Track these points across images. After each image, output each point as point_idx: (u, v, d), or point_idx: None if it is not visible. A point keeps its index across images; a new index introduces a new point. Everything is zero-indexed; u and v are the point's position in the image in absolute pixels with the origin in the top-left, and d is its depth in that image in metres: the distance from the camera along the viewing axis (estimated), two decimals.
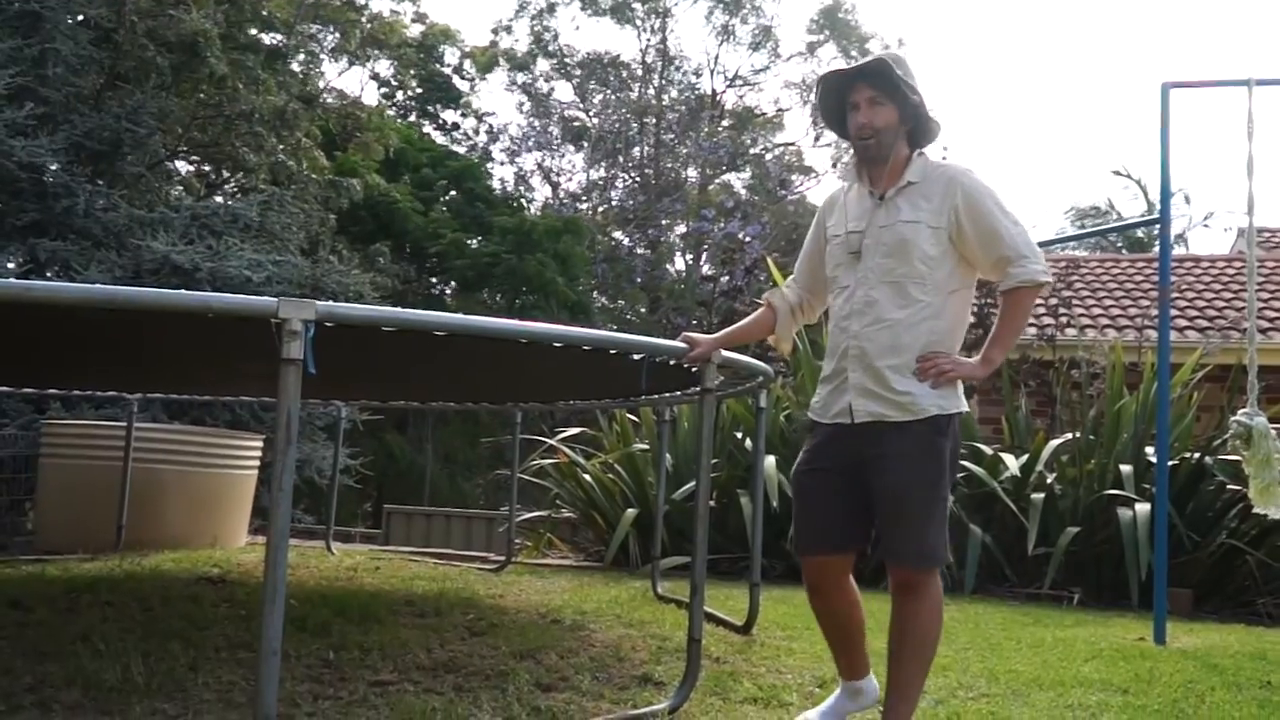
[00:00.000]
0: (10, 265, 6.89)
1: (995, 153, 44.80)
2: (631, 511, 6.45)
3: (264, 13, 12.31)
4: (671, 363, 3.05)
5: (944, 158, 2.76)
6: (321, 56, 18.01)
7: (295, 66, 14.27)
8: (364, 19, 17.87)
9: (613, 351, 2.92)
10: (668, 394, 4.42)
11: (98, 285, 2.33)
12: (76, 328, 3.27)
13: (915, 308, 2.43)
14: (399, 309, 2.52)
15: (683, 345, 2.84)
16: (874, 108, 2.48)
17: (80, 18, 8.44)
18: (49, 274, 6.80)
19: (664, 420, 5.52)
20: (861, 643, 2.65)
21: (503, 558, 6.05)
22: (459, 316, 2.63)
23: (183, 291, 2.28)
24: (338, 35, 17.61)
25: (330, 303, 2.23)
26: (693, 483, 6.37)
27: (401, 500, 12.32)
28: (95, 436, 5.82)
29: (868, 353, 2.45)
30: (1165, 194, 4.60)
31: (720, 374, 3.00)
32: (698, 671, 2.83)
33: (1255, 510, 4.13)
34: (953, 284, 2.48)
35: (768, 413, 4.19)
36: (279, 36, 13.74)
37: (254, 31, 12.60)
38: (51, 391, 4.99)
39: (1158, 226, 4.77)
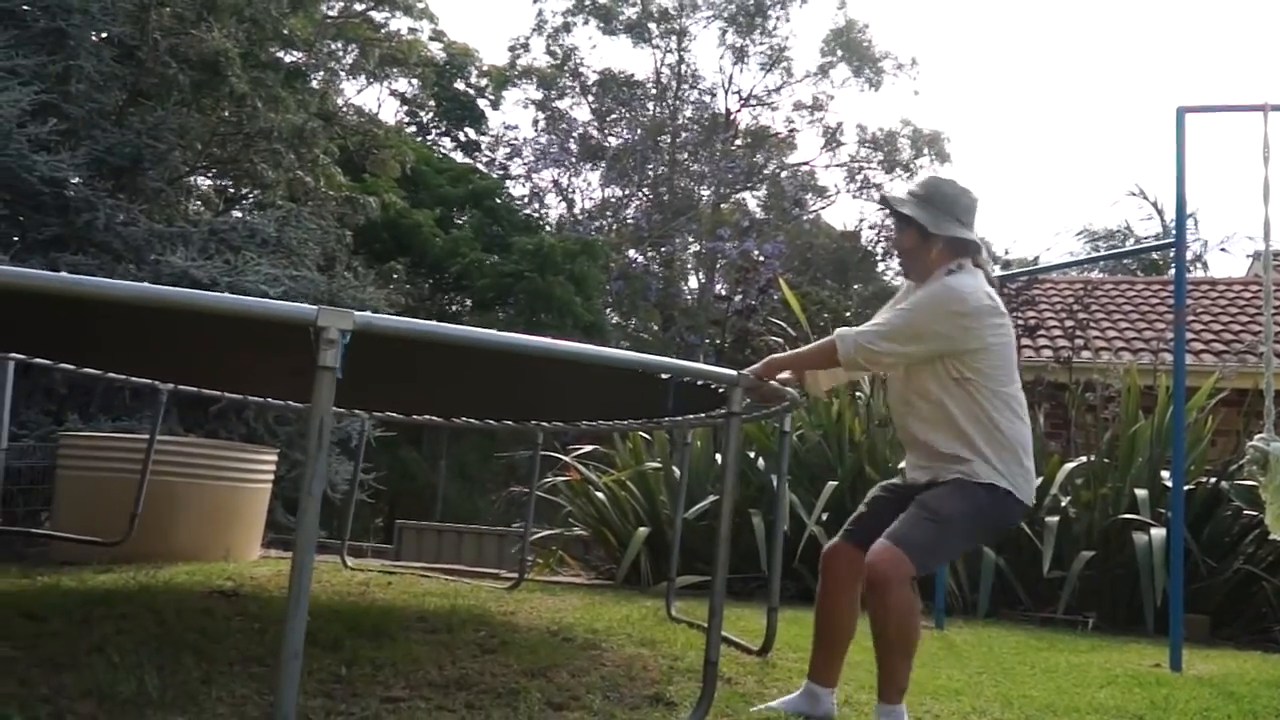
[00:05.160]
0: None
1: (1009, 175, 44.80)
2: (643, 530, 6.44)
3: (284, 31, 12.44)
4: (698, 384, 3.06)
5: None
6: (341, 74, 18.18)
7: (314, 84, 14.41)
8: (383, 36, 18.05)
9: (640, 372, 2.93)
10: (692, 416, 4.41)
11: (150, 285, 2.39)
12: (118, 318, 3.33)
13: (922, 416, 2.79)
14: (436, 323, 2.54)
15: (727, 371, 2.97)
16: (900, 233, 2.92)
17: (104, 35, 8.55)
18: None
19: (686, 443, 5.52)
20: (840, 655, 2.93)
21: (515, 575, 6.05)
22: (495, 333, 2.64)
23: (227, 295, 2.34)
24: (356, 52, 17.77)
25: (369, 313, 2.26)
26: (704, 501, 6.40)
27: (414, 515, 12.33)
28: (111, 448, 5.85)
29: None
30: (1180, 217, 4.60)
31: (747, 397, 3.02)
32: (713, 694, 2.83)
33: (1272, 536, 4.11)
34: (944, 381, 2.73)
35: (789, 437, 4.18)
36: (299, 54, 13.88)
37: (274, 50, 12.74)
38: (88, 370, 5.08)
39: (1173, 250, 4.76)
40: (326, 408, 2.15)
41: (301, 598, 2.12)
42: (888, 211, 3.05)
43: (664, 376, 3.07)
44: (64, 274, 2.24)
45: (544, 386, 3.96)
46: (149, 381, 5.38)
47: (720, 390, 3.02)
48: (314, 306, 2.17)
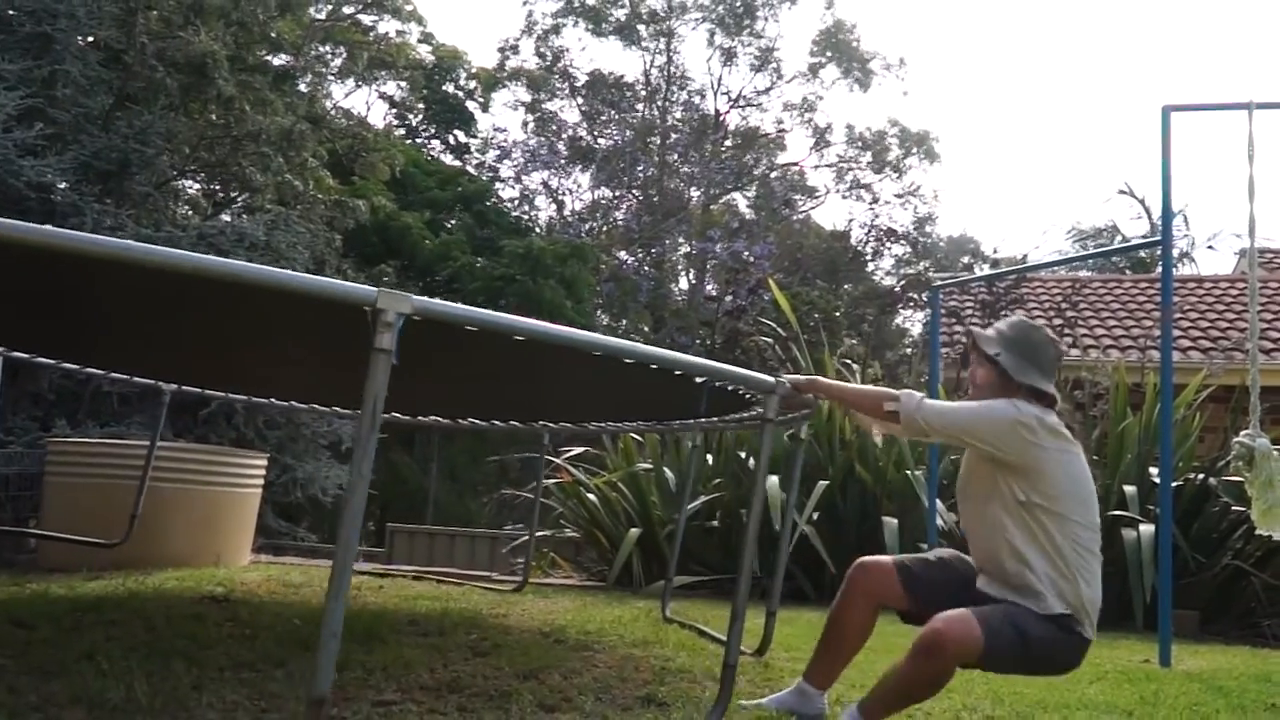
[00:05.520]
0: None
1: (998, 173, 44.97)
2: (635, 531, 6.45)
3: (272, 34, 12.40)
4: (730, 388, 3.06)
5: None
6: (329, 77, 18.12)
7: (302, 87, 14.37)
8: (371, 39, 18.00)
9: (678, 373, 2.93)
10: (704, 420, 4.38)
11: (201, 255, 2.35)
12: (129, 306, 3.31)
13: (988, 534, 2.75)
14: (489, 311, 2.51)
15: (765, 377, 2.97)
16: (976, 366, 2.90)
17: (90, 39, 8.52)
18: None
19: (695, 445, 5.53)
20: (841, 665, 2.95)
21: (512, 577, 6.04)
22: (543, 324, 2.60)
23: (285, 271, 2.32)
24: (345, 55, 17.72)
25: (425, 298, 2.27)
26: (696, 502, 6.40)
27: (405, 518, 12.30)
28: (100, 454, 5.83)
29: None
30: (1167, 215, 4.63)
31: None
32: (730, 697, 2.83)
33: (1259, 532, 4.13)
34: (1010, 504, 2.68)
35: (803, 445, 4.16)
36: (287, 58, 13.85)
37: (262, 53, 12.71)
38: (91, 370, 5.04)
39: (1160, 247, 4.79)
40: (380, 390, 2.18)
41: (343, 581, 2.18)
42: (969, 343, 2.97)
43: (699, 380, 3.05)
44: (113, 239, 2.21)
45: (561, 385, 3.92)
46: (151, 382, 5.36)
47: (746, 395, 3.02)
48: (373, 288, 2.19)
